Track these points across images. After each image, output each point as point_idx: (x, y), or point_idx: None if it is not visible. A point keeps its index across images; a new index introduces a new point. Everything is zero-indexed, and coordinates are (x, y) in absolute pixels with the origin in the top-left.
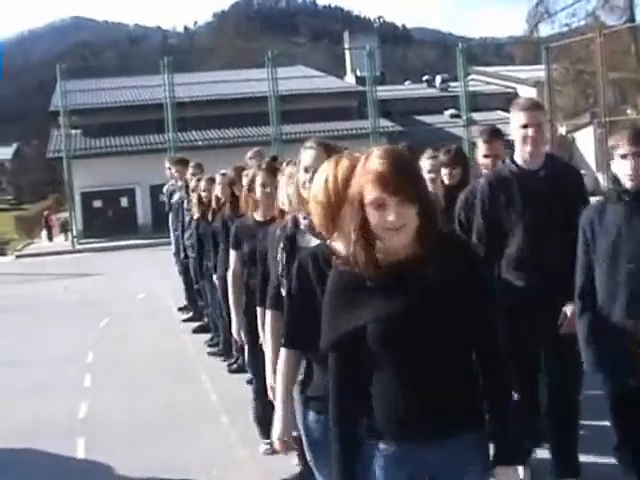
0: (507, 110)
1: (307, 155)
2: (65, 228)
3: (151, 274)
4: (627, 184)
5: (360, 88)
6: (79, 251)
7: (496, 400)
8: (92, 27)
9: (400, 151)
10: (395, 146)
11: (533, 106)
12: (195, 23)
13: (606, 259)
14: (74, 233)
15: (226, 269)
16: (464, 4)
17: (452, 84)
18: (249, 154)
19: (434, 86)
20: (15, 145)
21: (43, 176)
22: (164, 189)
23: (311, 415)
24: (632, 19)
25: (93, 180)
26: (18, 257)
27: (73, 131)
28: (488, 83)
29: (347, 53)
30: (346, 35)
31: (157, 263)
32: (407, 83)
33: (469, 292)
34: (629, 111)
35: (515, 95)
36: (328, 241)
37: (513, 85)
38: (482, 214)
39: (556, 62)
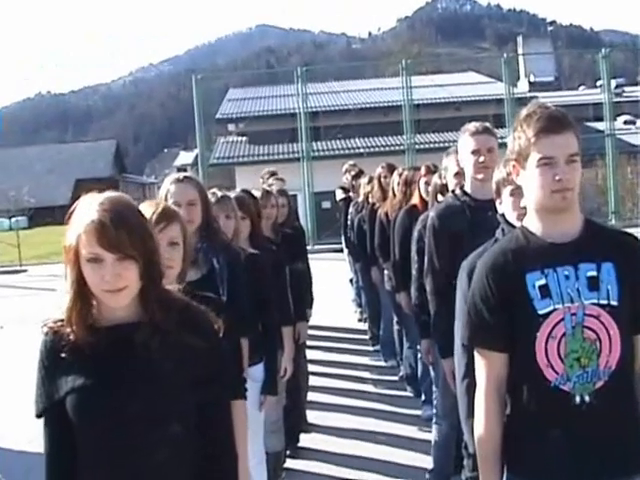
0: None
1: (176, 189)
2: None
3: None
4: (517, 222)
5: (501, 95)
6: None
7: None
8: (277, 34)
9: (126, 200)
10: (119, 194)
11: (483, 130)
12: (379, 29)
13: None
14: None
15: None
16: None
17: (628, 89)
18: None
19: (609, 91)
20: (197, 150)
21: (219, 180)
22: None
23: None
24: None
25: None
26: None
27: (239, 138)
28: None
29: (521, 58)
30: (520, 40)
31: None
32: (581, 88)
33: (199, 375)
34: None
35: None
36: None
37: None
38: (431, 251)
39: None
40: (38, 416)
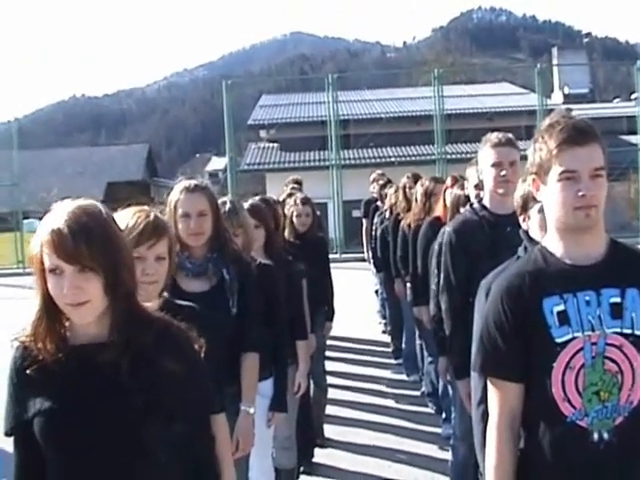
0: None
1: (186, 199)
2: None
3: None
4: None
5: (534, 107)
6: None
7: None
8: (312, 41)
9: (93, 209)
10: (91, 202)
11: (506, 142)
12: (414, 38)
13: None
14: None
15: None
16: None
17: None
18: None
19: None
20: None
21: (250, 186)
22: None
23: None
24: None
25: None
26: None
27: (270, 144)
28: None
29: (555, 70)
30: (554, 51)
31: None
32: (616, 101)
33: (175, 400)
34: None
35: None
36: None
37: None
38: (447, 268)
39: None
40: (7, 434)
